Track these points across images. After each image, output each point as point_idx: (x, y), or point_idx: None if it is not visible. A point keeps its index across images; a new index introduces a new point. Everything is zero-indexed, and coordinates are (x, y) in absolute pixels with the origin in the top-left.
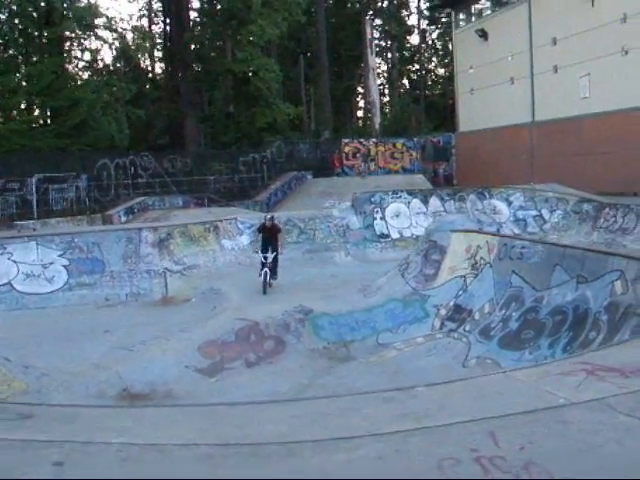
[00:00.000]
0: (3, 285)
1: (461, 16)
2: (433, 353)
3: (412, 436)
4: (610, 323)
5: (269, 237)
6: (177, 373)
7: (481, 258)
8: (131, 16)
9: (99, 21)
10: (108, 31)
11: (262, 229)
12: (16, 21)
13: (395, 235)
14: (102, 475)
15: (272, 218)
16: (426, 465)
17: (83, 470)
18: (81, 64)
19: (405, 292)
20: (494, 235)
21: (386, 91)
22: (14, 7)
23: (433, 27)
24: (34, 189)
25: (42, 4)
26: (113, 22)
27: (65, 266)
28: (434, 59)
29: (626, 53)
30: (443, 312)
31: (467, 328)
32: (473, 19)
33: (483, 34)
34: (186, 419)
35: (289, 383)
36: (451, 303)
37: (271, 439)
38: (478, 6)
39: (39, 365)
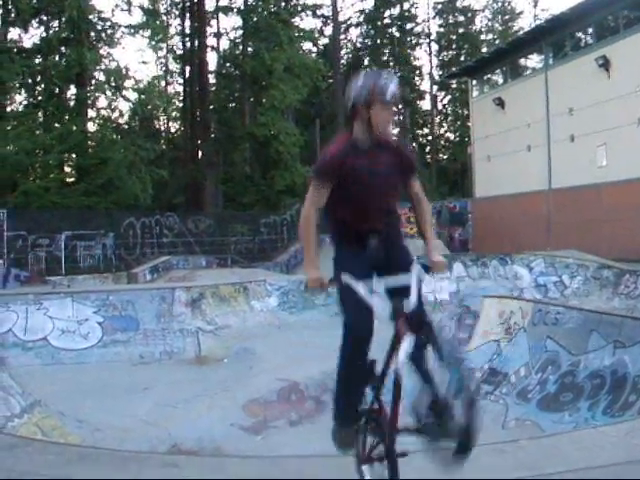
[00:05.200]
0: (39, 340)
1: (474, 82)
2: None
3: None
4: None
5: None
6: (223, 431)
7: (515, 323)
8: (155, 78)
9: (127, 83)
10: (136, 93)
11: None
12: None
13: None
14: None
15: None
16: None
17: None
18: (107, 124)
19: None
20: (528, 301)
21: None
22: (52, 71)
23: (443, 93)
24: (63, 245)
25: (76, 67)
26: (141, 84)
27: (100, 323)
28: (444, 124)
29: None
30: (478, 375)
31: (503, 391)
32: (486, 88)
33: (500, 102)
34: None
35: None
36: (486, 366)
37: None
38: (494, 75)
39: (91, 420)
